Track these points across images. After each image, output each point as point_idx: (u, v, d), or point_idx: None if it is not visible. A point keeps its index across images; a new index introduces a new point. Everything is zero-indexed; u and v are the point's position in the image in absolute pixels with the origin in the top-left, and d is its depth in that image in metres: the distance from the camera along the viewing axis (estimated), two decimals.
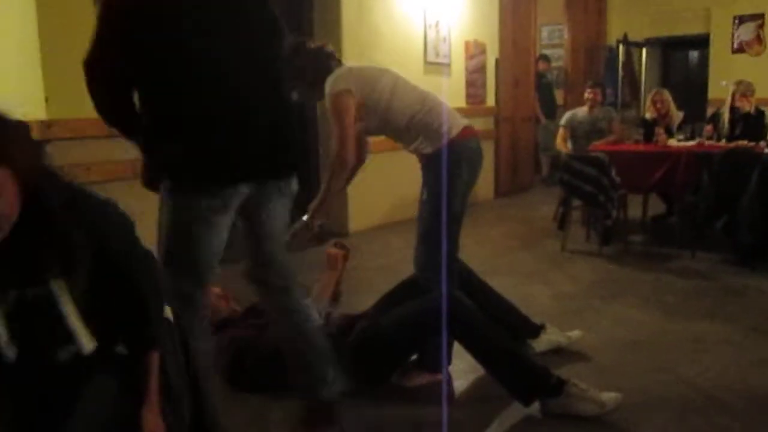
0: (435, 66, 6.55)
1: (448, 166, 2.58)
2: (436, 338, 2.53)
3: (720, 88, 7.15)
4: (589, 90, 6.11)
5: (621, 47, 9.41)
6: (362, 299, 3.11)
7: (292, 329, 2.16)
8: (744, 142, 5.05)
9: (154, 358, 1.55)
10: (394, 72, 2.77)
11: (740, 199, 4.39)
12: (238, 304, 2.90)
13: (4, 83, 3.56)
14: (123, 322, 1.51)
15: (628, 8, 9.50)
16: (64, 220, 1.34)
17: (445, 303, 2.42)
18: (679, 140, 5.42)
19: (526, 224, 6.23)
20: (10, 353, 1.38)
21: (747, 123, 5.38)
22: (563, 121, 6.21)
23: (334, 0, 5.50)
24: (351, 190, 5.61)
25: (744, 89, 5.46)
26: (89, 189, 1.47)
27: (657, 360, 2.90)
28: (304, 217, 2.63)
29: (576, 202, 5.23)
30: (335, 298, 2.85)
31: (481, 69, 7.44)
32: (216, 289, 2.73)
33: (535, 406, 2.39)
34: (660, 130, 5.43)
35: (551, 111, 8.75)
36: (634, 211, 5.56)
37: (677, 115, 5.85)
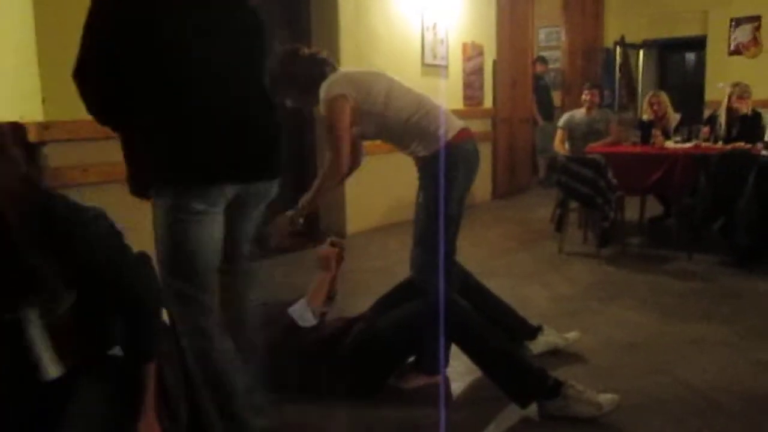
0: (432, 68, 6.55)
1: (444, 168, 2.59)
2: (433, 340, 2.53)
3: (717, 90, 7.15)
4: (587, 92, 6.13)
5: (618, 49, 9.43)
6: (359, 301, 3.11)
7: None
8: (741, 144, 5.06)
9: (150, 370, 1.53)
10: (389, 76, 2.77)
11: (737, 201, 4.40)
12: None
13: (2, 85, 3.55)
14: (117, 332, 1.49)
15: (625, 10, 9.52)
16: (32, 243, 1.29)
17: (442, 305, 2.42)
18: (676, 142, 5.42)
19: (523, 226, 6.23)
20: None
21: (744, 125, 5.39)
22: (561, 122, 6.22)
23: (331, 2, 5.50)
24: (348, 192, 5.69)
25: (741, 91, 5.47)
26: (72, 201, 1.42)
27: (654, 362, 2.91)
28: (291, 211, 2.64)
29: (573, 204, 5.23)
30: (330, 297, 2.83)
31: (479, 71, 7.44)
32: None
33: (532, 408, 2.39)
34: (657, 132, 5.43)
35: (548, 113, 8.75)
36: (632, 212, 5.57)
37: (674, 117, 5.85)
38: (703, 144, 5.26)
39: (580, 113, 6.16)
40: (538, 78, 8.77)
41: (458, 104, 7.05)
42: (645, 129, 5.70)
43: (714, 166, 4.57)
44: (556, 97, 9.24)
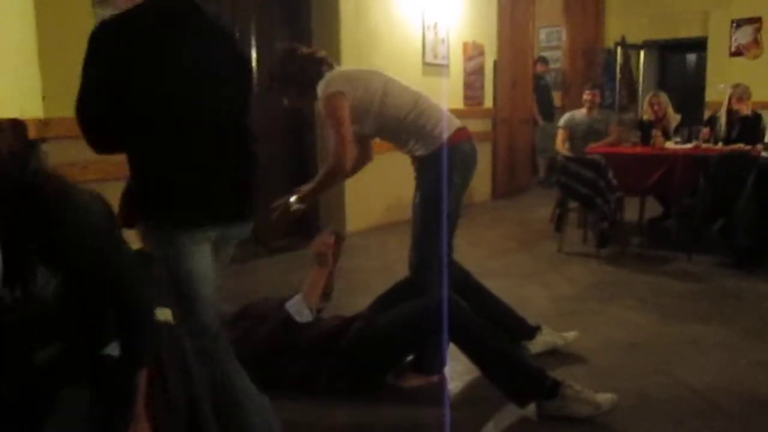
0: (433, 67, 6.55)
1: (440, 169, 2.58)
2: (431, 340, 2.54)
3: (717, 91, 7.16)
4: (588, 92, 6.12)
5: (619, 50, 9.42)
6: (358, 300, 3.11)
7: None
8: (741, 146, 5.07)
9: (143, 376, 1.52)
10: (385, 74, 2.78)
11: (737, 202, 4.40)
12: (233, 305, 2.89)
13: (2, 82, 3.55)
14: (110, 329, 1.48)
15: (626, 11, 9.51)
16: (10, 221, 1.27)
17: (440, 305, 2.42)
18: (676, 143, 5.43)
19: (523, 226, 6.23)
20: None
21: (744, 126, 5.40)
22: (562, 122, 6.22)
23: (331, 2, 5.49)
24: (348, 191, 5.68)
25: (741, 92, 5.48)
26: (67, 184, 1.39)
27: (653, 362, 2.91)
28: (291, 198, 2.63)
29: (573, 204, 5.23)
30: (326, 293, 2.82)
31: (479, 70, 7.44)
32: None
33: (531, 408, 2.39)
34: (657, 133, 5.44)
35: (549, 113, 8.75)
36: (631, 213, 5.57)
37: (674, 118, 5.86)
38: (703, 145, 5.27)
39: (580, 113, 6.16)
40: (538, 78, 8.77)
41: (458, 104, 7.05)
42: (645, 129, 5.70)
43: (714, 167, 4.57)
44: (557, 97, 9.23)
